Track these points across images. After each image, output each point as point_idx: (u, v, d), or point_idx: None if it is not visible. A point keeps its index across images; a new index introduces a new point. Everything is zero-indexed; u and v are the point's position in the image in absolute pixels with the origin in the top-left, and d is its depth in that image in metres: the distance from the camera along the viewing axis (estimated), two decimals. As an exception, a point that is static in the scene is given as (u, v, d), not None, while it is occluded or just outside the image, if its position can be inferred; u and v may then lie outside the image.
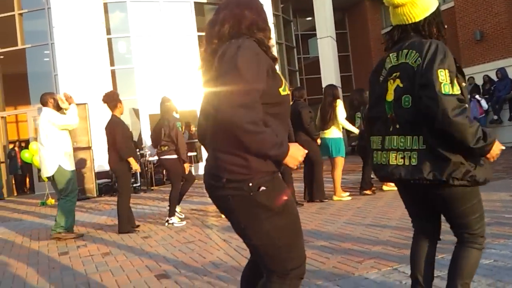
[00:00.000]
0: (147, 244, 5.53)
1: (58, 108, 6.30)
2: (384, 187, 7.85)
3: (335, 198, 7.43)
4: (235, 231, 2.13)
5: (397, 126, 2.30)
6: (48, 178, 6.32)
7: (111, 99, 6.46)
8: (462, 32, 16.63)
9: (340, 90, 18.97)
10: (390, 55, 2.37)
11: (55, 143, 6.15)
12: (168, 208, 6.75)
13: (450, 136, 2.09)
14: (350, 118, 7.84)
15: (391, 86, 2.32)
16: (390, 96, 2.32)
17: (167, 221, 6.59)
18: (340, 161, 7.48)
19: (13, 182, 15.09)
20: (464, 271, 2.32)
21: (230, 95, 1.79)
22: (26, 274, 4.75)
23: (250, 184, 1.92)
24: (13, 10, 14.63)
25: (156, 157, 11.40)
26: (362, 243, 4.57)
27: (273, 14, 16.37)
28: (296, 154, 1.95)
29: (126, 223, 6.38)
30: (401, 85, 2.27)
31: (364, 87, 10.52)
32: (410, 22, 2.33)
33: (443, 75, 2.10)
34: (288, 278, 2.04)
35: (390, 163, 2.33)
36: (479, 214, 2.33)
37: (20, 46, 14.78)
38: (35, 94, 14.36)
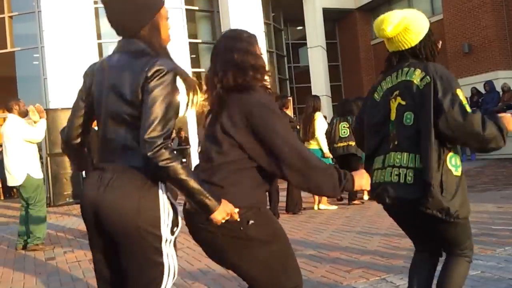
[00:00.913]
0: (135, 251, 5.49)
1: (23, 114, 6.12)
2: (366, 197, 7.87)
3: (321, 206, 7.44)
4: (228, 268, 2.12)
5: (396, 143, 2.29)
6: (15, 187, 6.13)
7: None
8: (450, 45, 16.83)
9: (330, 99, 19.09)
10: (391, 75, 2.36)
11: (22, 151, 5.92)
12: None
13: (485, 150, 2.17)
14: (335, 129, 7.80)
15: (393, 105, 2.32)
16: (393, 115, 2.32)
17: None
18: None
19: (0, 185, 14.88)
20: (453, 283, 2.34)
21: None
22: (12, 280, 4.70)
23: (238, 220, 1.89)
24: (3, 13, 14.54)
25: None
26: (351, 252, 4.58)
27: (264, 22, 16.43)
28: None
29: None
30: (402, 102, 2.27)
31: (353, 96, 10.60)
32: (406, 48, 2.33)
33: (461, 95, 2.14)
34: None
35: (385, 179, 2.30)
36: (468, 231, 2.35)
37: (9, 49, 14.68)
38: (24, 97, 14.07)
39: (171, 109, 1.77)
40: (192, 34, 15.78)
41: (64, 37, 13.07)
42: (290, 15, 20.88)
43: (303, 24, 19.17)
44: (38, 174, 6.08)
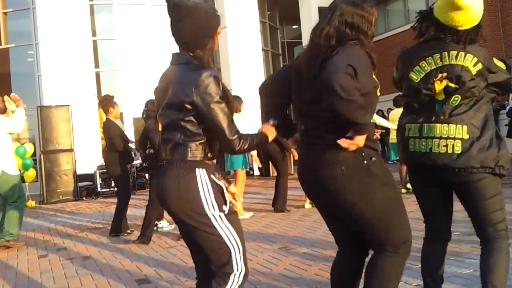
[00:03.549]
0: (128, 249, 5.48)
1: (2, 111, 5.89)
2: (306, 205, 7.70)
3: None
4: (340, 213, 2.21)
5: (442, 117, 2.39)
6: None
7: (104, 104, 6.44)
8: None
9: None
10: (433, 56, 2.42)
11: None
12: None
13: None
14: None
15: (439, 87, 2.40)
16: (440, 96, 2.41)
17: (156, 225, 6.52)
18: None
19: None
20: (499, 279, 2.40)
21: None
22: (4, 277, 4.68)
23: (363, 154, 2.10)
24: (-2, 9, 14.48)
25: (139, 161, 11.37)
26: (344, 250, 4.58)
27: (260, 21, 16.41)
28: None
29: (120, 225, 6.32)
30: (451, 85, 2.37)
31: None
32: (464, 26, 2.37)
33: (498, 63, 2.46)
34: (400, 250, 2.18)
35: (433, 150, 2.39)
36: (502, 206, 2.42)
37: (3, 46, 14.59)
38: (18, 94, 14.03)
39: (227, 111, 2.08)
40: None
41: (59, 34, 13.00)
42: (286, 13, 20.87)
43: (298, 23, 19.15)
44: (13, 170, 5.88)
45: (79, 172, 11.65)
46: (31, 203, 10.48)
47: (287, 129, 2.46)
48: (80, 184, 11.59)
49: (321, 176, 2.14)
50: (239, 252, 2.13)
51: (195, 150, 2.09)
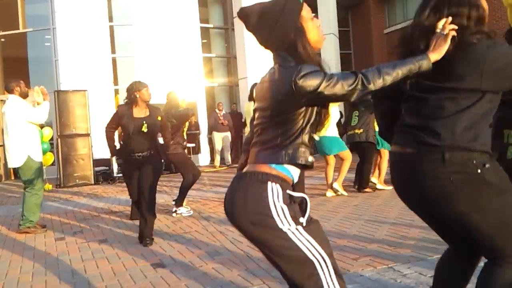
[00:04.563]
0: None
1: (24, 95, 6.04)
2: (378, 186, 7.86)
3: (328, 194, 7.42)
4: (447, 221, 2.02)
5: None
6: (15, 169, 6.04)
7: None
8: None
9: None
10: None
11: (24, 132, 5.86)
12: (175, 199, 6.73)
13: None
14: (348, 116, 7.89)
15: None
16: None
17: (175, 211, 6.60)
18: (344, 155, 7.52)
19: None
20: None
21: None
22: (22, 259, 4.76)
23: (474, 161, 1.88)
24: (16, -6, 14.56)
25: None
26: (358, 240, 4.59)
27: None
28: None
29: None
30: None
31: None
32: None
33: None
34: None
35: None
36: None
37: (21, 30, 14.70)
38: (35, 78, 14.26)
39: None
40: (203, 19, 15.70)
41: (76, 19, 13.07)
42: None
43: (316, 11, 18.97)
44: (38, 157, 6.00)
45: (95, 157, 11.76)
46: (48, 186, 10.62)
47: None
48: (96, 168, 11.71)
49: (424, 186, 1.94)
50: (326, 266, 1.85)
51: (289, 155, 1.90)
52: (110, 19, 14.18)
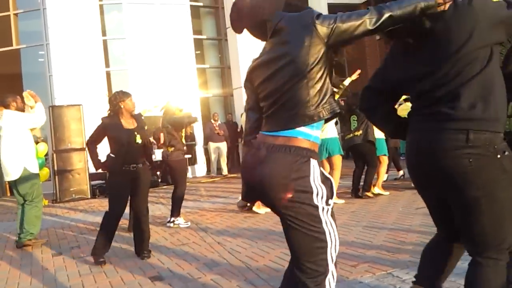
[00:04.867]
0: (141, 246, 5.51)
1: (21, 111, 6.02)
2: (376, 190, 7.86)
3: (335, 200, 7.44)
4: (455, 204, 2.04)
5: None
6: (11, 184, 6.04)
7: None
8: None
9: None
10: None
11: (20, 144, 5.85)
12: (170, 209, 6.71)
13: None
14: (345, 121, 7.92)
15: None
16: None
17: (172, 221, 6.56)
18: (338, 160, 7.52)
19: (6, 182, 14.92)
20: None
21: None
22: (19, 275, 4.73)
23: (495, 146, 1.91)
24: (9, 10, 14.55)
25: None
26: (356, 247, 4.58)
27: None
28: None
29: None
30: None
31: (359, 90, 10.53)
32: None
33: None
34: (503, 256, 2.02)
35: None
36: None
37: (15, 46, 14.72)
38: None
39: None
40: (197, 30, 15.75)
41: (69, 34, 13.10)
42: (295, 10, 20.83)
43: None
44: (35, 168, 5.99)
45: (91, 170, 11.70)
46: (45, 201, 10.53)
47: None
48: (92, 182, 11.66)
49: (443, 165, 1.96)
50: (335, 249, 2.02)
51: (321, 110, 1.97)
52: (104, 33, 14.21)
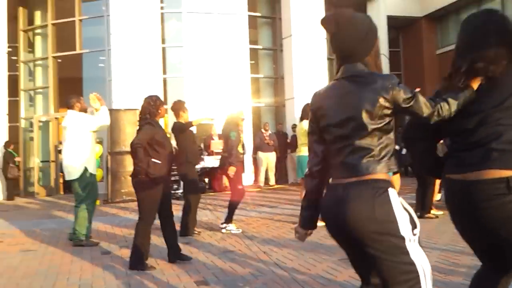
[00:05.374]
0: (188, 250, 5.54)
1: (84, 112, 6.30)
2: (432, 212, 7.56)
3: None
4: (504, 241, 2.07)
5: None
6: (69, 181, 6.27)
7: (175, 108, 6.79)
8: None
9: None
10: None
11: (83, 145, 6.07)
12: (226, 215, 6.79)
13: None
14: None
15: None
16: None
17: (224, 227, 6.62)
18: None
19: (61, 181, 15.43)
20: None
21: None
22: (70, 270, 4.86)
23: None
24: (74, 16, 15.17)
25: (200, 165, 11.51)
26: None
27: None
28: None
29: (188, 227, 6.50)
30: None
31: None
32: None
33: None
34: None
35: None
36: None
37: (78, 51, 15.29)
38: (88, 98, 14.74)
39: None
40: (253, 40, 15.86)
41: (130, 41, 13.47)
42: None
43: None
44: (93, 169, 6.20)
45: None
46: (97, 201, 10.84)
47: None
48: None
49: (487, 211, 2.02)
50: (429, 278, 1.98)
51: (389, 162, 2.03)
52: (163, 41, 14.55)
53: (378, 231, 1.92)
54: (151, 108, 5.03)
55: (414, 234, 1.97)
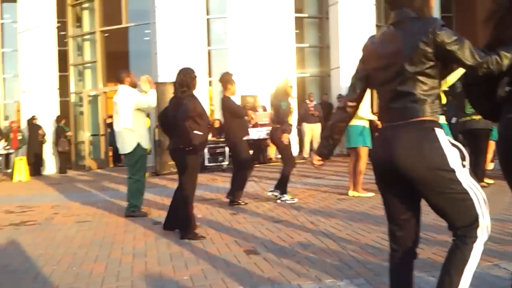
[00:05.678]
0: (235, 220, 5.62)
1: (134, 85, 6.42)
2: (485, 180, 7.29)
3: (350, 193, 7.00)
4: None
5: None
6: (124, 155, 6.47)
7: (223, 80, 6.86)
8: None
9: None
10: None
11: (135, 119, 6.20)
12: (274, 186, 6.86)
13: None
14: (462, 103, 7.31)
15: None
16: None
17: (279, 198, 6.68)
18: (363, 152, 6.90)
19: (111, 153, 15.84)
20: None
21: None
22: (124, 241, 5.02)
23: None
24: (120, -10, 15.31)
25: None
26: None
27: (376, 25, 15.19)
28: None
29: (236, 196, 6.68)
30: None
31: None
32: None
33: None
34: None
35: None
36: None
37: (124, 25, 15.47)
38: (135, 71, 14.58)
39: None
40: (298, 9, 15.51)
41: (175, 13, 13.51)
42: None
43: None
44: (146, 144, 6.38)
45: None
46: (146, 174, 11.10)
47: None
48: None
49: None
50: (484, 202, 2.10)
51: (433, 105, 2.10)
52: (207, 12, 14.51)
53: (429, 167, 2.03)
54: (189, 81, 5.11)
55: (464, 166, 2.07)
